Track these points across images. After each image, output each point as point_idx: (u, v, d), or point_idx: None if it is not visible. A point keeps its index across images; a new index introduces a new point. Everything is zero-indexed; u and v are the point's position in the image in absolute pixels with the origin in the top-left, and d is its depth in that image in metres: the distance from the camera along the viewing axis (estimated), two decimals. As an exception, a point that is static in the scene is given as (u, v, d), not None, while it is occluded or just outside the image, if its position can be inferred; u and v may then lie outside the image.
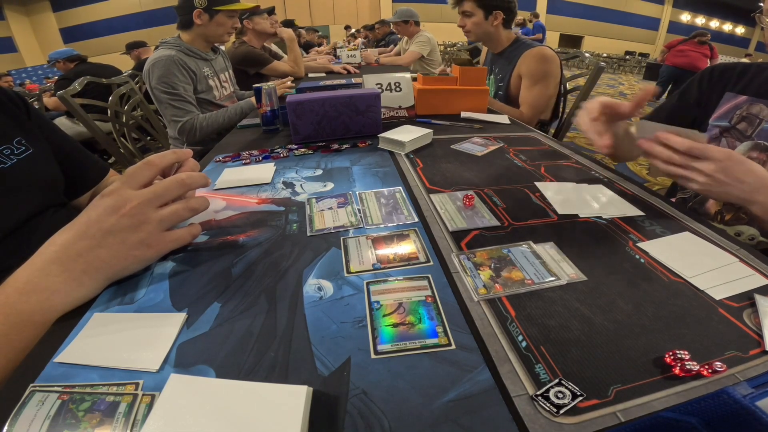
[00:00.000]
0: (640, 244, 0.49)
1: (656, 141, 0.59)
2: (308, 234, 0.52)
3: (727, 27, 13.05)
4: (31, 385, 0.31)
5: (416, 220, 0.55)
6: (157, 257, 0.44)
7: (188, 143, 1.48)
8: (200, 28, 1.49)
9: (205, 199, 0.48)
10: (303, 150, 0.85)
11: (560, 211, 0.57)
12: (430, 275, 0.43)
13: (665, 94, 5.80)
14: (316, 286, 0.42)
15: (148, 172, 0.44)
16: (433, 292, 0.41)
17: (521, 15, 8.36)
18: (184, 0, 1.46)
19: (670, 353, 0.33)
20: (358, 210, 0.58)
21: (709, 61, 5.29)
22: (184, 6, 1.47)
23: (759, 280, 0.42)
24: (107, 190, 0.42)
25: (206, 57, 1.56)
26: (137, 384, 0.31)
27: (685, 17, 13.14)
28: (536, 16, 8.20)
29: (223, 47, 1.85)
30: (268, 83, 1.03)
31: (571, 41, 12.94)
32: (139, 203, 0.41)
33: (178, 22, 1.52)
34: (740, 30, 12.72)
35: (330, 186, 0.67)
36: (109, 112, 1.57)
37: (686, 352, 0.33)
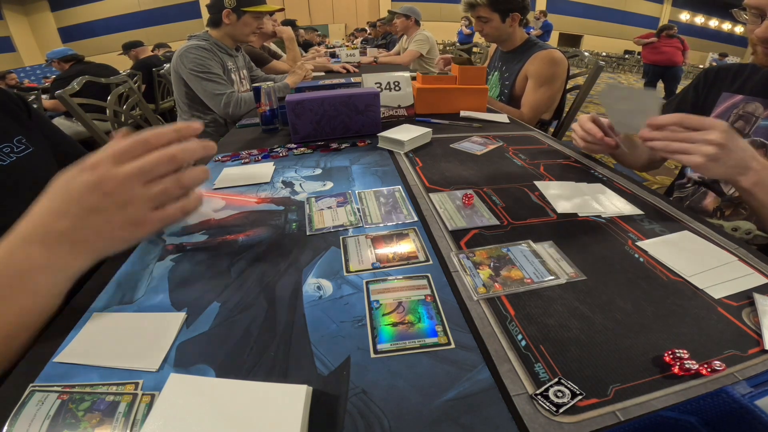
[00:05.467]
0: (640, 243, 0.49)
1: (651, 126, 0.60)
2: (307, 233, 0.52)
3: (726, 26, 13.05)
4: (31, 384, 0.31)
5: (415, 219, 0.55)
6: (146, 235, 0.40)
7: (233, 117, 1.50)
8: (228, 27, 1.58)
9: (203, 169, 0.42)
10: (302, 149, 0.85)
11: (559, 210, 0.57)
12: (429, 274, 0.43)
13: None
14: (315, 285, 0.42)
15: (141, 152, 0.38)
16: (432, 291, 0.41)
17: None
18: (216, 0, 1.56)
19: (669, 352, 0.33)
20: (358, 209, 0.58)
21: (682, 53, 5.34)
22: (214, 5, 1.56)
23: (758, 279, 0.42)
24: (88, 163, 0.38)
25: (231, 53, 1.65)
26: (137, 384, 0.31)
27: (684, 16, 13.14)
28: (544, 14, 7.98)
29: None
30: (267, 83, 1.03)
31: (570, 40, 12.94)
32: (123, 180, 0.37)
33: (209, 19, 1.61)
34: (739, 29, 12.72)
35: (329, 185, 0.67)
36: (107, 111, 1.57)
37: (685, 351, 0.33)
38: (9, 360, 0.34)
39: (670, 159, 0.61)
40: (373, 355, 0.33)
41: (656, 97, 0.66)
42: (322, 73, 2.39)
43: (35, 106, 2.49)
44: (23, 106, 0.66)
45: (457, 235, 0.51)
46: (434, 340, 0.35)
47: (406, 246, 0.49)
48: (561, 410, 0.28)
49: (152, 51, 4.18)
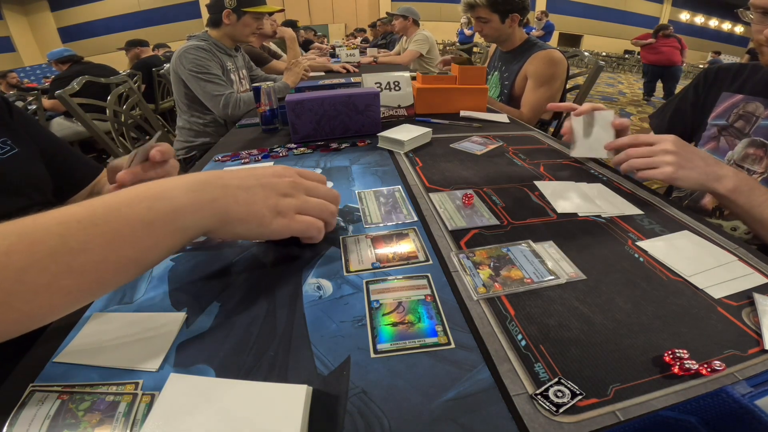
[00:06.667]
0: (639, 243, 0.49)
1: (608, 149, 0.67)
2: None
3: (726, 26, 13.06)
4: (31, 384, 0.31)
5: (415, 219, 0.55)
6: (274, 232, 0.42)
7: (232, 118, 1.48)
8: (228, 27, 1.58)
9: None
10: (302, 149, 0.85)
11: (559, 210, 0.57)
12: (429, 274, 0.43)
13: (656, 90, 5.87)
14: (315, 285, 0.42)
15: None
16: (432, 291, 0.41)
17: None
18: (216, 0, 1.55)
19: (669, 352, 0.33)
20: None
21: (681, 53, 5.39)
22: (215, 5, 1.56)
23: (758, 279, 0.42)
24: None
25: (230, 53, 1.65)
26: (137, 384, 0.31)
27: (684, 16, 13.14)
28: (545, 14, 7.93)
29: None
30: (267, 82, 1.03)
31: (570, 40, 12.94)
32: (300, 184, 0.44)
33: (208, 19, 1.61)
34: (739, 29, 12.73)
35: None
36: (107, 111, 1.57)
37: (685, 351, 0.33)
38: (103, 293, 0.35)
39: (638, 177, 0.63)
40: (373, 355, 0.33)
41: (610, 117, 0.70)
42: (322, 73, 2.39)
43: (35, 106, 2.49)
44: (5, 105, 0.65)
45: (457, 235, 0.51)
46: (434, 340, 0.35)
47: (406, 246, 0.49)
48: (561, 410, 0.28)
49: (152, 51, 4.18)
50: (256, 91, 1.01)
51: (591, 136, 0.71)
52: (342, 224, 0.54)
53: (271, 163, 0.77)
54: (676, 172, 0.57)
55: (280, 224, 0.42)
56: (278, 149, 0.85)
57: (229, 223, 0.39)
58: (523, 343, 0.34)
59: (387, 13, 3.88)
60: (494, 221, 0.54)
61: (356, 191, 0.64)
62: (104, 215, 0.32)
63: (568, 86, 1.67)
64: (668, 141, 0.59)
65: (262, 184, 0.42)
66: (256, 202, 0.40)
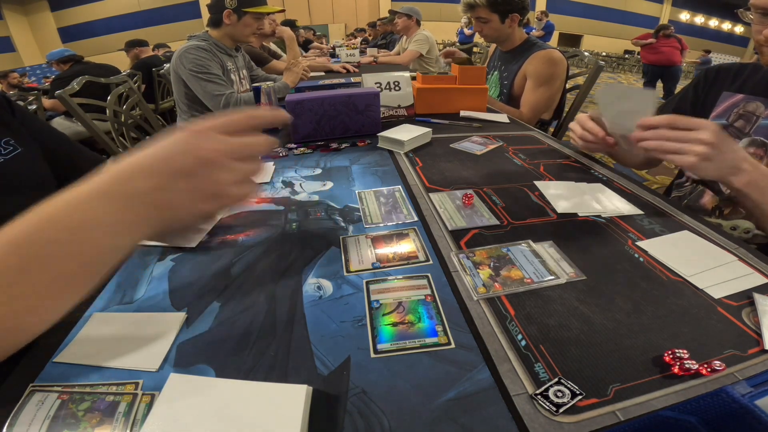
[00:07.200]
0: (639, 243, 0.49)
1: (642, 127, 0.60)
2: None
3: (726, 26, 13.06)
4: (31, 384, 0.31)
5: (415, 219, 0.55)
6: (217, 212, 0.38)
7: None
8: (228, 27, 1.58)
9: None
10: (302, 149, 0.85)
11: (559, 210, 0.57)
12: (429, 274, 0.43)
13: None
14: (315, 285, 0.42)
15: (238, 130, 0.37)
16: (432, 291, 0.41)
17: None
18: (217, 0, 1.55)
19: (669, 352, 0.33)
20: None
21: (681, 52, 5.38)
22: (215, 5, 1.56)
23: (758, 279, 0.42)
24: (189, 129, 0.36)
25: (230, 53, 1.65)
26: (137, 384, 0.31)
27: (684, 16, 13.14)
28: (545, 14, 7.91)
29: None
30: (267, 82, 1.03)
31: (570, 40, 12.94)
32: (223, 149, 0.35)
33: (209, 19, 1.61)
34: (739, 29, 12.74)
35: (329, 185, 0.67)
36: (107, 111, 1.57)
37: (685, 351, 0.33)
38: (57, 315, 0.32)
39: (664, 160, 0.62)
40: (373, 355, 0.33)
41: (653, 97, 0.65)
42: (322, 73, 2.38)
43: (35, 106, 2.49)
44: (6, 104, 0.64)
45: (457, 234, 0.51)
46: (434, 339, 0.35)
47: (406, 246, 0.49)
48: (561, 410, 0.28)
49: (152, 51, 4.18)
50: (256, 91, 1.01)
51: (624, 111, 0.66)
52: (342, 224, 0.54)
53: (271, 163, 0.77)
54: (699, 163, 0.56)
55: (217, 208, 0.37)
56: (278, 149, 0.85)
57: (171, 228, 0.36)
58: (523, 343, 0.34)
59: (390, 11, 3.87)
60: (494, 221, 0.54)
61: (356, 191, 0.64)
62: (42, 248, 0.31)
63: (568, 86, 1.67)
64: (707, 131, 0.56)
65: (190, 172, 0.34)
66: (193, 202, 0.35)
